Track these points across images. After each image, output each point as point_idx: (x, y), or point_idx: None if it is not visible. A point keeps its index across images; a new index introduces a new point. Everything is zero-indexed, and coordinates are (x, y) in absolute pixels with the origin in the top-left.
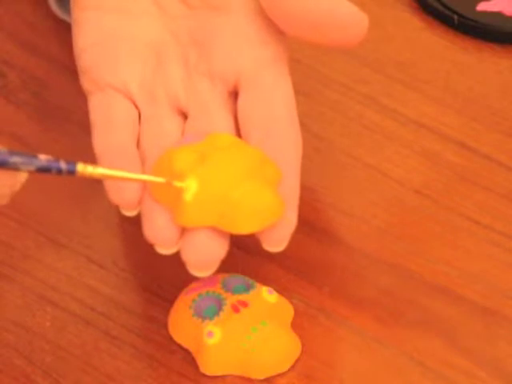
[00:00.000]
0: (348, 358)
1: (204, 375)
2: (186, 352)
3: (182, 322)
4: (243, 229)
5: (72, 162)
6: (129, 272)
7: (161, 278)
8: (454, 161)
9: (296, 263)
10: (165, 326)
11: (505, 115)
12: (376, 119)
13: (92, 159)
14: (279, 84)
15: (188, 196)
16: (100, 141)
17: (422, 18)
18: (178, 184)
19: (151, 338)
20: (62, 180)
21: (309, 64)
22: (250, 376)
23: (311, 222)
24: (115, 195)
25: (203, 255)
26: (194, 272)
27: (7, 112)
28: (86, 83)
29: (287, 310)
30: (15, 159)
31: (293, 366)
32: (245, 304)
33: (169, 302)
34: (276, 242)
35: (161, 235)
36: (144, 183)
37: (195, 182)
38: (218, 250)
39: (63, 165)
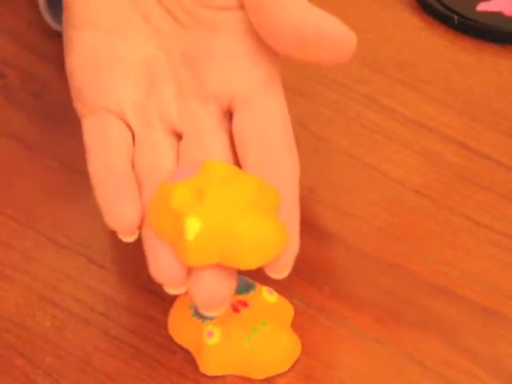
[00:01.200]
0: (348, 357)
1: (204, 375)
2: (186, 352)
3: (181, 322)
4: (249, 264)
5: None
6: (129, 272)
7: None
8: (454, 161)
9: (296, 263)
10: (165, 326)
11: (505, 115)
12: (376, 119)
13: None
14: (274, 105)
15: (190, 235)
16: (96, 164)
17: (422, 17)
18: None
19: (151, 338)
20: (62, 180)
21: (309, 64)
22: (250, 376)
23: (311, 222)
24: (112, 220)
25: (211, 296)
26: (205, 312)
27: (7, 112)
28: (79, 105)
29: (287, 310)
30: None
31: (293, 366)
32: (245, 304)
33: (169, 302)
34: (280, 270)
35: (168, 275)
36: (143, 211)
37: (197, 221)
38: (226, 288)
39: None
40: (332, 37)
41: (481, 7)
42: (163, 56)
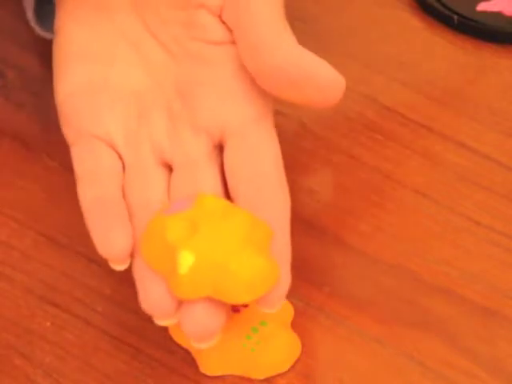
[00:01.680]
0: (348, 357)
1: (204, 375)
2: (186, 352)
3: None
4: (240, 299)
5: None
6: (129, 272)
7: None
8: (454, 161)
9: (296, 263)
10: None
11: (505, 115)
12: (376, 119)
13: None
14: (265, 141)
15: (183, 269)
16: (86, 194)
17: (422, 18)
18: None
19: (151, 338)
20: (61, 180)
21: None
22: (250, 376)
23: (311, 222)
24: (103, 248)
25: (202, 328)
26: (196, 344)
27: (7, 112)
28: (68, 133)
29: (287, 310)
30: None
31: (293, 366)
32: (245, 304)
33: None
34: (271, 304)
35: (157, 308)
36: (134, 241)
37: (190, 255)
38: (216, 321)
39: None
40: (320, 80)
41: (481, 7)
42: (154, 86)
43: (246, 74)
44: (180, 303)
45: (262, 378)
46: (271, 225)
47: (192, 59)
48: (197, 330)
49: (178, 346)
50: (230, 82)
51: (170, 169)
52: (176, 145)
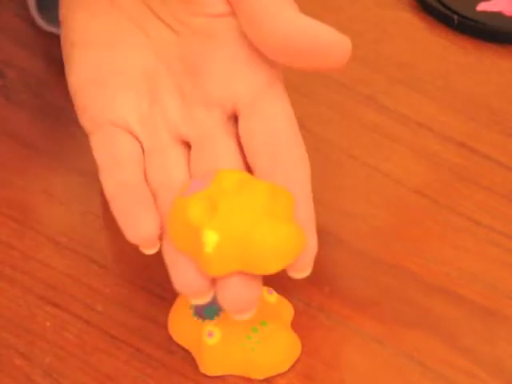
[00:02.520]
0: (348, 357)
1: (204, 375)
2: (186, 352)
3: (181, 322)
4: (269, 269)
5: None
6: (129, 272)
7: (161, 278)
8: (454, 161)
9: None
10: (165, 326)
11: (505, 115)
12: (376, 119)
13: (92, 160)
14: (278, 106)
15: (209, 248)
16: (109, 182)
17: (422, 17)
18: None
19: (151, 338)
20: (61, 180)
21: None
22: (250, 376)
23: None
24: (132, 234)
25: (239, 300)
26: (237, 317)
27: (7, 112)
28: (85, 123)
29: (287, 310)
30: None
31: (293, 366)
32: None
33: (169, 302)
34: (301, 270)
35: (191, 288)
36: (162, 224)
37: (214, 233)
38: (252, 291)
39: None
40: (324, 44)
41: (481, 7)
42: (164, 66)
43: (249, 43)
44: (213, 281)
45: (261, 377)
46: (292, 190)
47: (195, 35)
48: (235, 303)
49: (178, 345)
50: (235, 54)
51: (188, 146)
52: (190, 122)
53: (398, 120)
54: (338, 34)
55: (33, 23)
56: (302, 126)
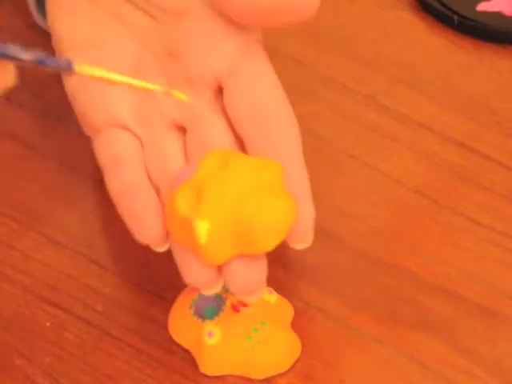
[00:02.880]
0: (348, 357)
1: (204, 375)
2: (186, 352)
3: (181, 322)
4: (266, 246)
5: (69, 60)
6: (129, 272)
7: (161, 278)
8: (454, 161)
9: (296, 263)
10: (165, 325)
11: (505, 115)
12: (376, 119)
13: (92, 160)
14: (259, 71)
15: (202, 238)
16: (114, 184)
17: (422, 17)
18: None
19: (151, 338)
20: (62, 180)
21: (309, 64)
22: (250, 376)
23: None
24: (141, 235)
25: (246, 283)
26: (246, 299)
27: (7, 112)
28: (86, 129)
29: (287, 310)
30: (16, 50)
31: (293, 366)
32: (245, 304)
33: (169, 302)
34: (301, 239)
35: (200, 280)
36: (163, 219)
37: (204, 222)
38: (258, 271)
39: (62, 61)
40: (292, 1)
41: (481, 7)
42: (148, 53)
43: (220, 12)
44: (219, 268)
45: (261, 377)
46: (282, 157)
47: (169, 16)
48: (242, 286)
49: (178, 345)
50: (209, 25)
51: (184, 130)
52: (180, 106)
53: (398, 120)
54: None
55: (33, 23)
56: (302, 125)
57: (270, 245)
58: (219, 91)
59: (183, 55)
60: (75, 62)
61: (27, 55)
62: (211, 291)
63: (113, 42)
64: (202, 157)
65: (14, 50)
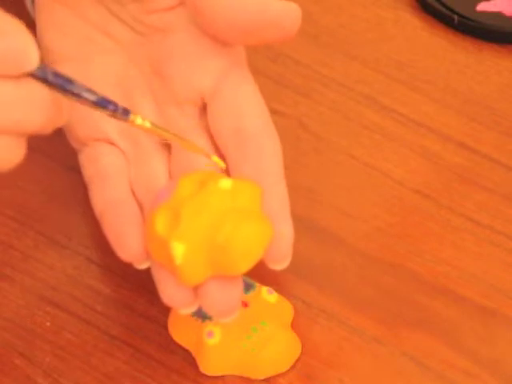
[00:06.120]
0: (348, 357)
1: (204, 375)
2: (186, 352)
3: (181, 322)
4: (240, 268)
5: (128, 110)
6: (129, 272)
7: None
8: (454, 161)
9: (296, 263)
10: (165, 326)
11: (505, 115)
12: (376, 119)
13: None
14: (243, 90)
15: (178, 259)
16: (98, 199)
17: (422, 17)
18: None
19: (151, 338)
20: (62, 180)
21: (309, 64)
22: (249, 376)
23: (311, 222)
24: (122, 253)
25: (221, 305)
26: (222, 320)
27: None
28: (72, 142)
29: (287, 310)
30: (81, 88)
31: (293, 366)
32: (245, 304)
33: None
34: (279, 260)
35: (176, 300)
36: (143, 237)
37: (179, 244)
38: (233, 293)
39: (120, 107)
40: (277, 15)
41: (481, 7)
42: (135, 69)
43: (202, 30)
44: (195, 289)
45: (262, 377)
46: (263, 178)
47: (155, 33)
48: (216, 308)
49: (178, 345)
50: (192, 43)
51: (169, 148)
52: (166, 123)
53: (397, 120)
54: (285, 2)
55: (32, 23)
56: (302, 125)
57: (244, 267)
58: (204, 108)
59: (168, 73)
60: (131, 112)
61: (90, 95)
62: (187, 311)
63: (100, 57)
64: (182, 177)
65: (79, 88)
